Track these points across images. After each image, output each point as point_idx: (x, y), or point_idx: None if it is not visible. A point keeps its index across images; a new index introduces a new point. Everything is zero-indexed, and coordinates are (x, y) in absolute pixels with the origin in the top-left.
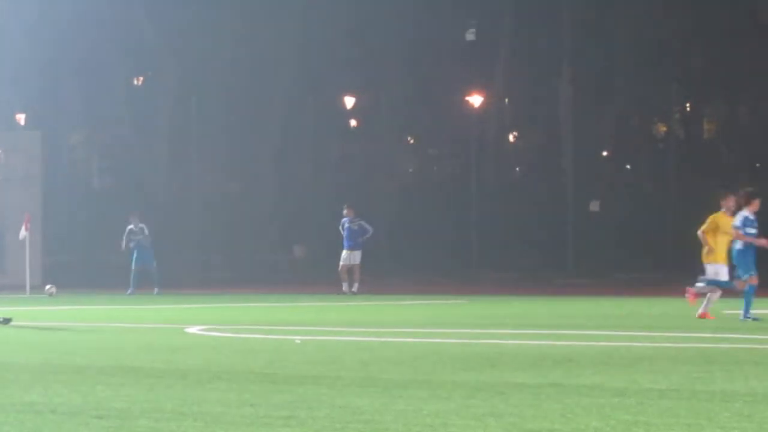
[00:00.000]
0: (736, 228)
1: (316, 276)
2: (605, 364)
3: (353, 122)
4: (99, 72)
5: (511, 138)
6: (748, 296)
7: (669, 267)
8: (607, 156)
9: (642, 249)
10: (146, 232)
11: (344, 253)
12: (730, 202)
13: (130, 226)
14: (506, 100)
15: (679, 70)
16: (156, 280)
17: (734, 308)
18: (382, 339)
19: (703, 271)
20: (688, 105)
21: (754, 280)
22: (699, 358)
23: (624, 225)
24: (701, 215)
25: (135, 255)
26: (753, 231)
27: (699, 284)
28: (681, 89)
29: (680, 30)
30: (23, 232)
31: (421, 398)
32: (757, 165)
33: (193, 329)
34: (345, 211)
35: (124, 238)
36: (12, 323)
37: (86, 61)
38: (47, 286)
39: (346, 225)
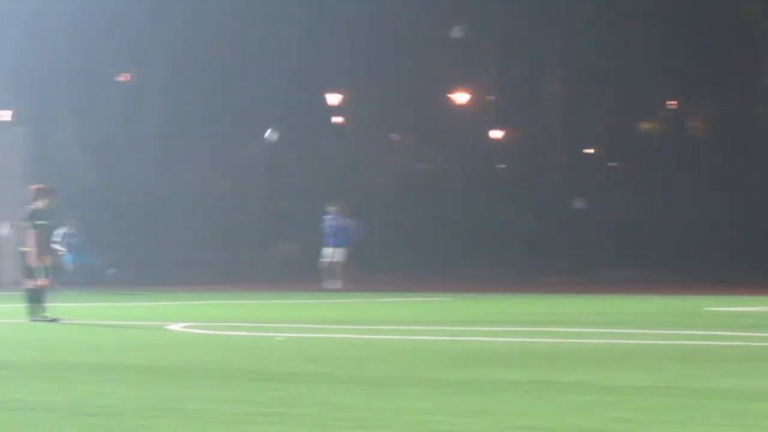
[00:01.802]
0: None
1: (302, 273)
2: (591, 362)
3: (340, 119)
4: (88, 69)
5: (498, 135)
6: None
7: (656, 264)
8: (594, 153)
9: (630, 246)
10: (74, 237)
11: (329, 250)
12: None
13: (66, 230)
14: (493, 97)
15: (667, 68)
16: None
17: (716, 305)
18: (369, 336)
19: None
20: (675, 103)
21: None
22: (684, 355)
23: (611, 222)
24: (688, 213)
25: (72, 255)
26: None
27: None
28: (669, 87)
29: (668, 28)
30: (7, 228)
31: (407, 395)
32: (745, 163)
33: (175, 326)
34: (330, 208)
35: (61, 242)
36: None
37: (75, 58)
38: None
39: (331, 222)
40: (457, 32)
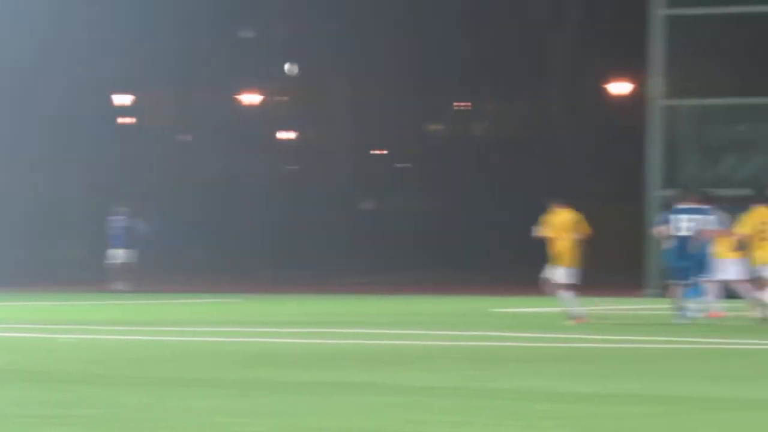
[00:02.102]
0: None
1: (90, 274)
2: (380, 362)
3: (129, 120)
4: None
5: (288, 136)
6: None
7: (445, 265)
8: (383, 154)
9: (419, 247)
10: None
11: (116, 251)
12: None
13: None
14: (284, 98)
15: (456, 69)
16: None
17: (501, 306)
18: (156, 337)
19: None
20: (464, 104)
21: None
22: (471, 355)
23: (400, 223)
24: (476, 213)
25: None
26: None
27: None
28: (458, 89)
29: (457, 30)
30: None
31: (193, 396)
32: (532, 163)
33: None
34: (119, 209)
35: None
36: None
37: None
38: None
39: (119, 223)
40: (246, 33)
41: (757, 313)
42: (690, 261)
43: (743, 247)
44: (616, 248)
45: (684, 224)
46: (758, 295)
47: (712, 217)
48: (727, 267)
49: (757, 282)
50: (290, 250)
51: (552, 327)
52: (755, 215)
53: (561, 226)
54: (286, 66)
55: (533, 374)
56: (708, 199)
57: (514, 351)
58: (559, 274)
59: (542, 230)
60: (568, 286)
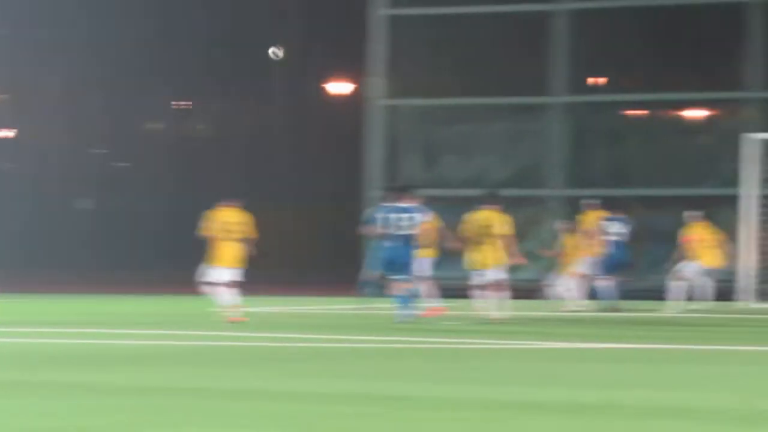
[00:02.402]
0: None
1: None
2: (95, 362)
3: None
4: None
5: (6, 134)
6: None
7: (165, 264)
8: (101, 153)
9: (138, 247)
10: None
11: None
12: None
13: None
14: (1, 96)
15: (177, 66)
16: None
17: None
18: None
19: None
20: (183, 103)
21: None
22: (191, 356)
23: (116, 222)
24: (194, 215)
25: None
26: None
27: None
28: (179, 87)
29: (176, 27)
30: None
31: None
32: (255, 162)
33: None
34: None
35: None
36: None
37: None
38: None
39: None
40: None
41: (491, 314)
42: (407, 259)
43: (461, 247)
44: (333, 248)
45: (404, 223)
46: (477, 296)
47: (426, 215)
48: (421, 264)
49: (481, 285)
50: (5, 248)
51: (273, 326)
52: (477, 217)
53: (222, 225)
54: (271, 50)
55: (250, 374)
56: (419, 198)
57: (232, 351)
58: (216, 273)
59: (203, 229)
60: (228, 285)
